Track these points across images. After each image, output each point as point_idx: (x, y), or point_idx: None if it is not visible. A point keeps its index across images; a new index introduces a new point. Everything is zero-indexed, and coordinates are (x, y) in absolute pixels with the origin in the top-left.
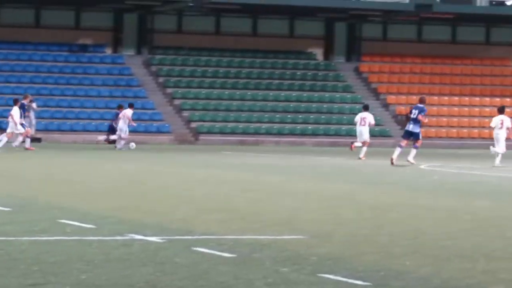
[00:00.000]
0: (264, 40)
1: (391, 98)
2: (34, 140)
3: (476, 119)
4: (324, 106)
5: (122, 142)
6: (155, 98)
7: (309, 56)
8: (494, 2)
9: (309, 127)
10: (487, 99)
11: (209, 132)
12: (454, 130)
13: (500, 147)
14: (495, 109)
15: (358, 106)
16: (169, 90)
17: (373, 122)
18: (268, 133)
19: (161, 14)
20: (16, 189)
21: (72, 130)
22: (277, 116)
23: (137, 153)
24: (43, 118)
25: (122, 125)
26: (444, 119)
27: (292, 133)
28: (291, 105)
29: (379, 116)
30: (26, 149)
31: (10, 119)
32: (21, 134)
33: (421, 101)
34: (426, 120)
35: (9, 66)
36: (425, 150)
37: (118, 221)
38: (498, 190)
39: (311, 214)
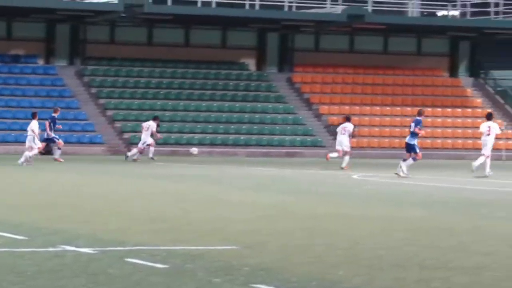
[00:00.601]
0: (196, 51)
1: (323, 108)
2: None
3: (407, 129)
4: (257, 116)
5: (151, 149)
6: (88, 109)
7: (242, 66)
8: (425, 13)
9: (242, 138)
10: (418, 109)
11: None
12: (386, 140)
13: (486, 150)
14: (428, 119)
15: (290, 116)
16: (101, 101)
17: (352, 131)
18: (200, 143)
19: (93, 25)
20: None
21: (4, 141)
22: (210, 126)
23: (70, 164)
24: None
25: (145, 137)
26: (376, 129)
27: (224, 144)
28: (223, 115)
29: (311, 126)
30: (55, 160)
31: (30, 132)
32: (37, 148)
33: (419, 113)
34: (422, 132)
35: None
36: (357, 160)
37: (50, 232)
38: (429, 200)
39: (244, 224)
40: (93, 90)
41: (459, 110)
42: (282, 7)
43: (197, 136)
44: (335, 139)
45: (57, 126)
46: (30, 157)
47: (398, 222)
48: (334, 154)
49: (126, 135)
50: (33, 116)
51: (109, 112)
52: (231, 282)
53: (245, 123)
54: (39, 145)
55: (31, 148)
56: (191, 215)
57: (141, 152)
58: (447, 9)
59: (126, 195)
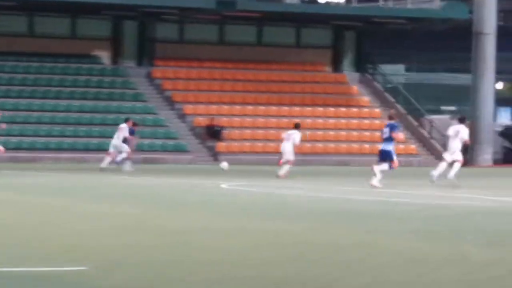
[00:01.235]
0: (42, 42)
1: (188, 108)
2: None
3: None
4: (110, 117)
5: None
6: None
7: (94, 60)
8: (305, 0)
9: (94, 141)
10: (297, 108)
11: None
12: (260, 144)
13: (456, 155)
14: (308, 120)
15: (150, 117)
16: None
17: (298, 141)
18: (46, 148)
19: None
20: None
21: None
22: (56, 129)
23: None
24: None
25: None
26: (248, 131)
27: (73, 148)
28: (72, 116)
29: (174, 128)
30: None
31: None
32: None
33: (391, 117)
34: (401, 137)
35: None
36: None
37: None
38: (310, 211)
39: (97, 240)
40: None
41: (343, 109)
42: None
43: (41, 139)
44: (201, 143)
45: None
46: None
47: (275, 236)
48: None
49: None
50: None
51: None
52: None
53: (97, 124)
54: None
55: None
56: (37, 230)
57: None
58: None
59: None
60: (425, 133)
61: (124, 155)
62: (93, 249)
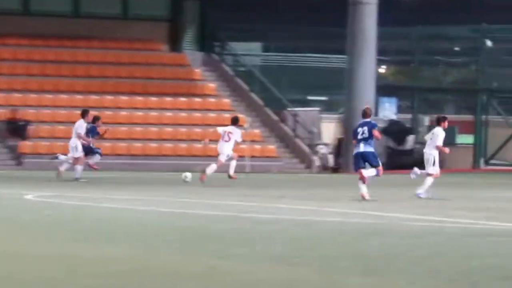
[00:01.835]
0: None
1: None
2: None
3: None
4: None
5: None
6: None
7: None
8: None
9: None
10: (124, 97)
11: None
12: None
13: (433, 169)
14: (139, 113)
15: None
16: None
17: (240, 140)
18: None
19: None
20: None
21: None
22: None
23: None
24: None
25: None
26: (61, 127)
27: None
28: None
29: None
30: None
31: None
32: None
33: (366, 114)
34: (380, 136)
35: None
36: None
37: None
38: (140, 231)
39: None
40: None
41: (183, 99)
42: None
43: None
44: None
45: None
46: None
47: (97, 263)
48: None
49: None
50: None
51: None
52: None
53: None
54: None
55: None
56: None
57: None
58: None
59: None
60: (288, 130)
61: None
62: None
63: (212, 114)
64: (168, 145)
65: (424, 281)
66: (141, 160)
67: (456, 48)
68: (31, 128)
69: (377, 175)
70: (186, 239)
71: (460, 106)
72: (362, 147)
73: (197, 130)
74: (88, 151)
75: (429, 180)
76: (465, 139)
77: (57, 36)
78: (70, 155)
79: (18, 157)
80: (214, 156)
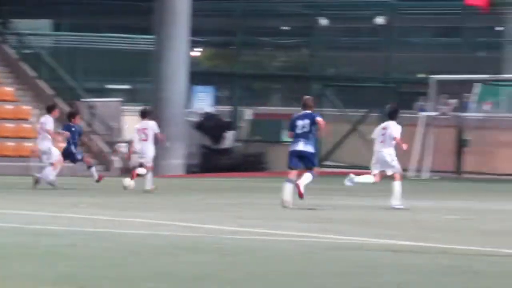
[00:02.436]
0: None
1: None
2: None
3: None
4: None
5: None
6: None
7: None
8: None
9: None
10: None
11: None
12: None
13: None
14: None
15: None
16: None
17: (157, 130)
18: None
19: None
20: None
21: None
22: None
23: None
24: None
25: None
26: None
27: None
28: None
29: None
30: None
31: None
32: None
33: (307, 104)
34: (323, 125)
35: None
36: None
37: None
38: None
39: None
40: None
41: None
42: None
43: None
44: None
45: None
46: None
47: None
48: (143, 170)
49: None
50: None
51: None
52: None
53: None
54: None
55: None
56: None
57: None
58: None
59: None
60: (83, 125)
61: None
62: None
63: None
64: None
65: None
66: None
67: (285, 28)
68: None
69: (314, 176)
70: None
71: (289, 96)
72: (301, 145)
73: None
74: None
75: (398, 186)
76: None
77: None
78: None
79: None
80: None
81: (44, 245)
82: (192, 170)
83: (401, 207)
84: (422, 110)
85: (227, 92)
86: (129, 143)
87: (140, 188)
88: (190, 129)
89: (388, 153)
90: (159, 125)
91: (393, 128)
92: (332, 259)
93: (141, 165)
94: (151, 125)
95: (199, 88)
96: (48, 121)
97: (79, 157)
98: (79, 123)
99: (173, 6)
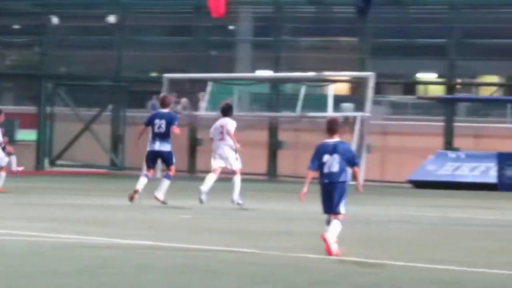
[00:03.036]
0: None
1: None
2: None
3: None
4: None
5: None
6: None
7: None
8: None
9: None
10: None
11: None
12: None
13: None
14: None
15: None
16: None
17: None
18: None
19: None
20: None
21: None
22: None
23: None
24: None
25: None
26: None
27: None
28: None
29: None
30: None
31: None
32: None
33: (165, 102)
34: (178, 131)
35: None
36: None
37: None
38: None
39: None
40: None
41: None
42: None
43: None
44: None
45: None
46: None
47: None
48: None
49: None
50: None
51: None
52: None
53: None
54: None
55: None
56: None
57: None
58: None
59: None
60: None
61: None
62: None
63: None
64: None
65: None
66: None
67: (16, 26)
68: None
69: (169, 177)
70: None
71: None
72: (157, 145)
73: None
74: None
75: (238, 181)
76: (27, 135)
77: None
78: None
79: None
80: None
81: None
82: None
83: (241, 202)
84: (155, 108)
85: None
86: None
87: None
88: None
89: (228, 150)
90: None
91: (230, 124)
92: (62, 258)
93: None
94: None
95: None
96: None
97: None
98: None
99: None
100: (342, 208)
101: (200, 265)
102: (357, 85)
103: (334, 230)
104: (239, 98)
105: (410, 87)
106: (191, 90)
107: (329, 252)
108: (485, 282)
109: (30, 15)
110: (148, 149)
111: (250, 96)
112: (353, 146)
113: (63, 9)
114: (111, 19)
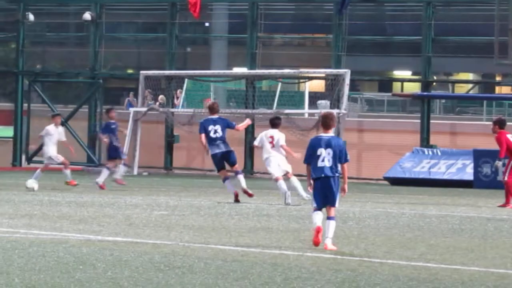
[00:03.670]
0: None
1: None
2: None
3: None
4: None
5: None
6: None
7: None
8: None
9: None
10: None
11: None
12: None
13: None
14: None
15: None
16: None
17: None
18: None
19: None
20: None
21: None
22: None
23: None
24: None
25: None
26: None
27: None
28: None
29: None
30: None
31: None
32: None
33: (214, 109)
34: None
35: None
36: None
37: None
38: None
39: None
40: None
41: None
42: None
43: None
44: None
45: None
46: None
47: None
48: None
49: None
50: None
51: None
52: None
53: None
54: None
55: None
56: None
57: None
58: None
59: None
60: None
61: None
62: None
63: None
64: None
65: None
66: None
67: None
68: None
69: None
70: None
71: None
72: (222, 147)
73: None
74: None
75: (295, 179)
76: (4, 131)
77: None
78: None
79: None
80: None
81: None
82: None
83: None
84: (131, 105)
85: None
86: None
87: None
88: None
89: (281, 157)
90: None
91: (282, 139)
92: (37, 255)
93: None
94: None
95: None
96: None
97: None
98: None
99: None
100: (337, 202)
101: (177, 262)
102: (333, 82)
103: (332, 231)
104: (214, 95)
105: (385, 84)
106: (168, 87)
107: (325, 247)
108: (461, 278)
109: (5, 11)
110: (212, 153)
111: (226, 93)
112: None
113: (39, 5)
114: (87, 15)
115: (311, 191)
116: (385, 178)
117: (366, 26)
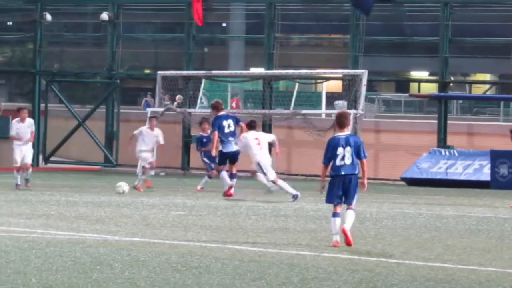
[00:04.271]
0: None
1: None
2: None
3: None
4: None
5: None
6: None
7: None
8: None
9: None
10: None
11: None
12: None
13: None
14: None
15: None
16: None
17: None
18: None
19: None
20: None
21: None
22: None
23: None
24: None
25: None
26: None
27: None
28: None
29: None
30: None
31: None
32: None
33: (216, 107)
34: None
35: None
36: None
37: None
38: None
39: None
40: None
41: None
42: None
43: None
44: None
45: None
46: None
47: None
48: None
49: None
50: None
51: None
52: None
53: None
54: None
55: None
56: None
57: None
58: None
59: None
60: None
61: None
62: None
63: None
64: None
65: None
66: None
67: (9, 23)
68: None
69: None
70: None
71: (15, 92)
72: (227, 146)
73: None
74: None
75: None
76: None
77: None
78: None
79: None
80: None
81: None
82: None
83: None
84: (148, 106)
85: None
86: None
87: None
88: None
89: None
90: None
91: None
92: (55, 255)
93: None
94: None
95: None
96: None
97: None
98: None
99: None
100: (355, 200)
101: (194, 262)
102: (350, 83)
103: (351, 220)
104: (232, 95)
105: (402, 84)
106: (186, 87)
107: (348, 243)
108: (479, 279)
109: (23, 12)
110: (225, 151)
111: (243, 93)
112: None
113: (56, 5)
114: (104, 16)
115: (319, 192)
116: (402, 179)
117: (383, 26)
